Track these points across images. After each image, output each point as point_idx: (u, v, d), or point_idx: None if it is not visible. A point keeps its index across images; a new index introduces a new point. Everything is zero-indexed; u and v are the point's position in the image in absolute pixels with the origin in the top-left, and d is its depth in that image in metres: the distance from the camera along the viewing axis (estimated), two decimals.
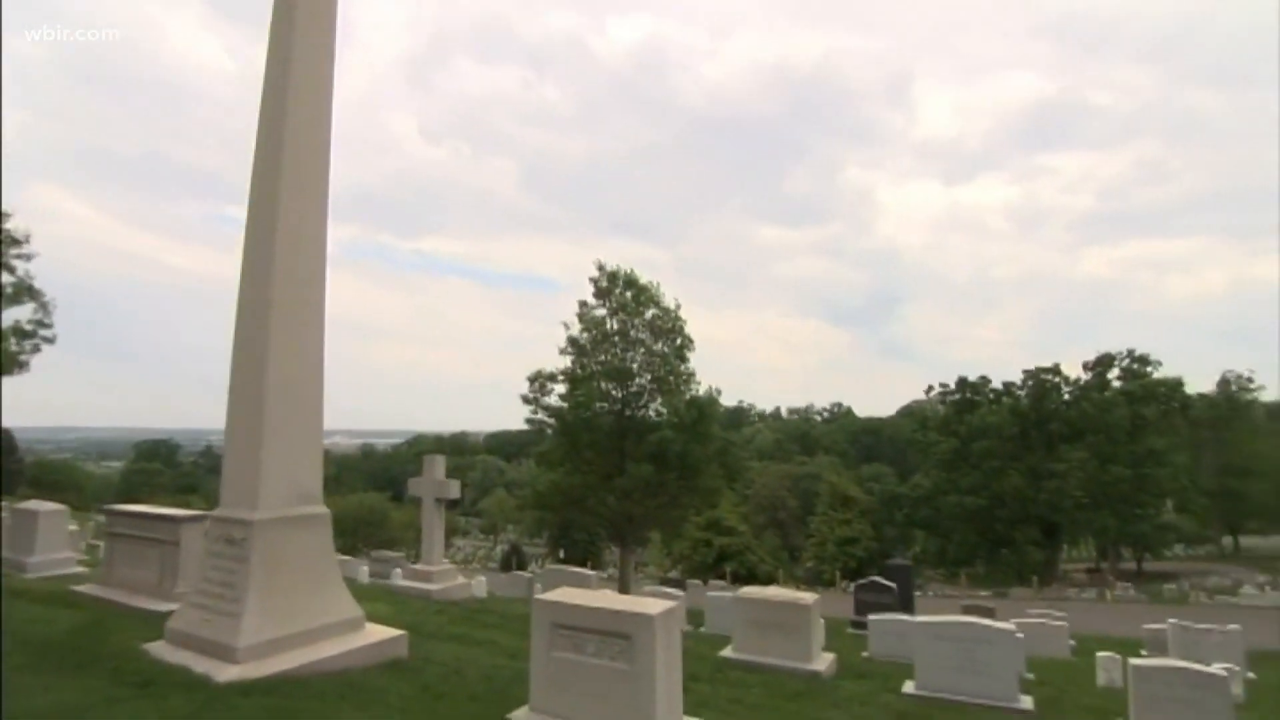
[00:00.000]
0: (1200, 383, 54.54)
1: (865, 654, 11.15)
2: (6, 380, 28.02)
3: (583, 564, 33.46)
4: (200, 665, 4.83)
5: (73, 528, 13.37)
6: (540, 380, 29.40)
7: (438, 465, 12.18)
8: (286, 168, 5.66)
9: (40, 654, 4.95)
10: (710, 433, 28.87)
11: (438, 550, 12.17)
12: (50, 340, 30.37)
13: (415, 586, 11.76)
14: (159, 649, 5.19)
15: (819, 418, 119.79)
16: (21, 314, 29.58)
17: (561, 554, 51.65)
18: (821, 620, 9.16)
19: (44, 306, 29.86)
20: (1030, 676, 9.82)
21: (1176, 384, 46.63)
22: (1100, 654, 10.66)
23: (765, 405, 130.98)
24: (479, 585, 13.93)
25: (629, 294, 28.95)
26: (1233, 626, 12.85)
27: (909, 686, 7.86)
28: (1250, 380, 57.69)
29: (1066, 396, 48.20)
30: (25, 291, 29.12)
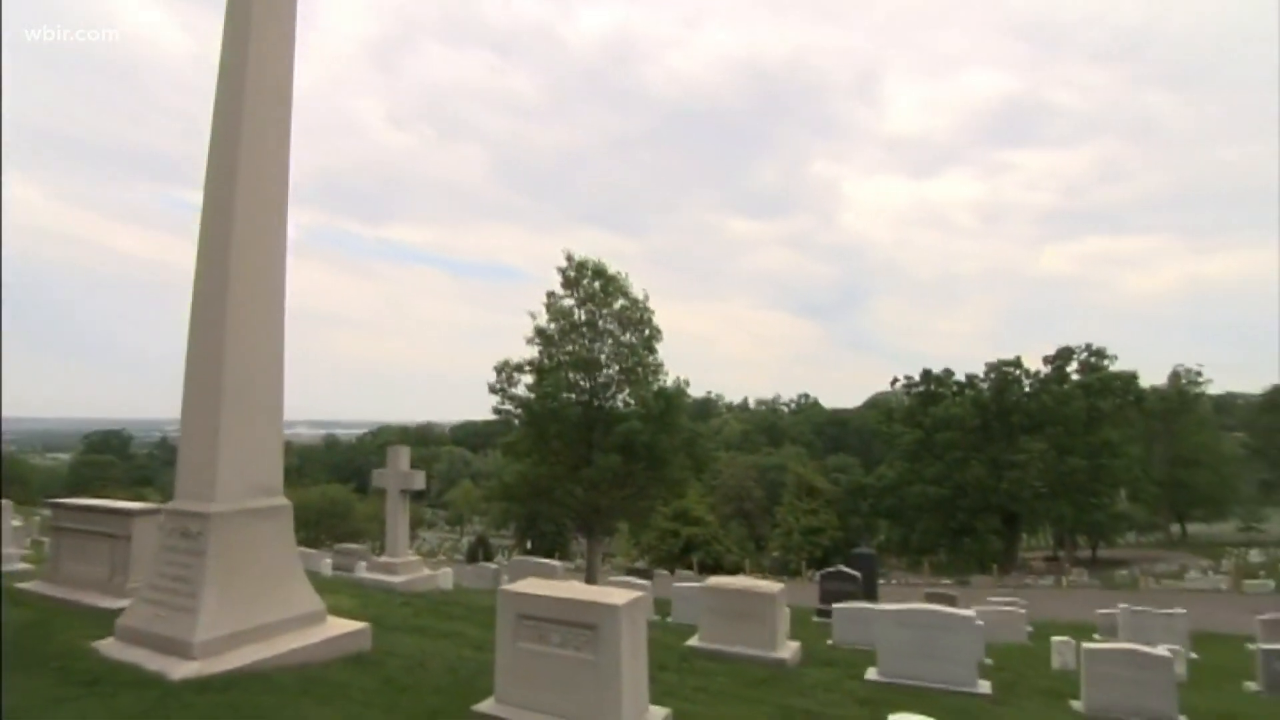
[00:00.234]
0: (1153, 376, 56.41)
1: (830, 642, 11.32)
2: None
3: (550, 555, 33.37)
4: (153, 663, 4.70)
5: (16, 523, 12.92)
6: (507, 370, 29.21)
7: (402, 456, 12.03)
8: (244, 150, 5.49)
9: None
10: (678, 424, 28.98)
11: (402, 542, 12.03)
12: None
13: (379, 579, 11.61)
14: (109, 647, 5.04)
15: (786, 409, 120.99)
16: None
17: (529, 545, 51.54)
18: (786, 609, 9.26)
19: None
20: (989, 661, 10.08)
21: (1131, 378, 48.06)
22: (1055, 639, 10.98)
23: (733, 397, 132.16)
24: (445, 577, 13.79)
25: (597, 284, 28.87)
26: (1178, 610, 13.36)
27: (872, 673, 7.99)
28: (1199, 374, 59.91)
29: (1027, 389, 49.40)
30: None
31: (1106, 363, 48.95)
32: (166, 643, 4.84)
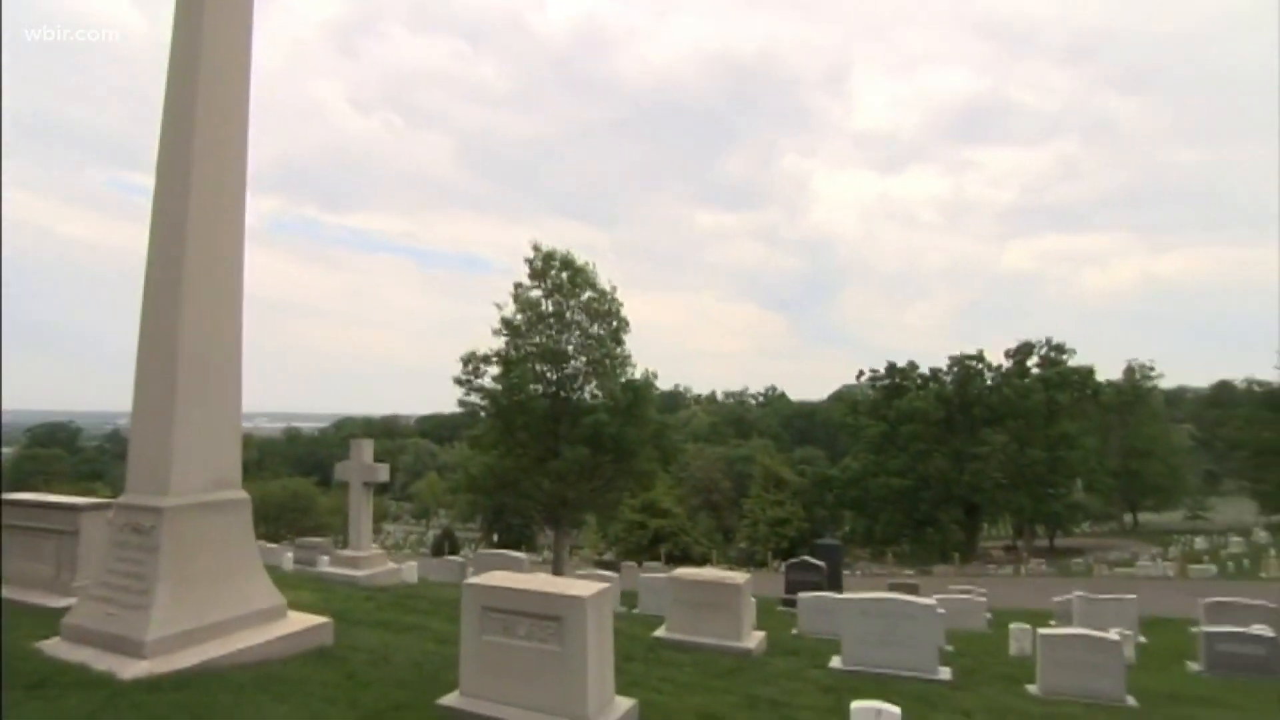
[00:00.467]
0: (1109, 370, 57.99)
1: (795, 631, 11.46)
2: None
3: (517, 548, 33.24)
4: (102, 662, 4.55)
5: None
6: (473, 362, 28.94)
7: (365, 448, 11.86)
8: (200, 132, 5.31)
9: None
10: (646, 416, 29.02)
11: (366, 535, 11.86)
12: None
13: (342, 573, 11.43)
14: (54, 646, 4.87)
15: (754, 401, 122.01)
16: None
17: (495, 538, 51.27)
18: (752, 599, 9.35)
19: None
20: (950, 649, 10.29)
21: (1088, 372, 49.40)
22: (1013, 625, 11.25)
23: (701, 389, 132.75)
24: (409, 570, 13.63)
25: (565, 275, 28.71)
26: (1128, 596, 13.82)
27: (836, 661, 8.11)
28: (1152, 369, 61.94)
29: (989, 382, 50.46)
30: None
31: (1065, 357, 50.24)
32: (116, 641, 4.69)
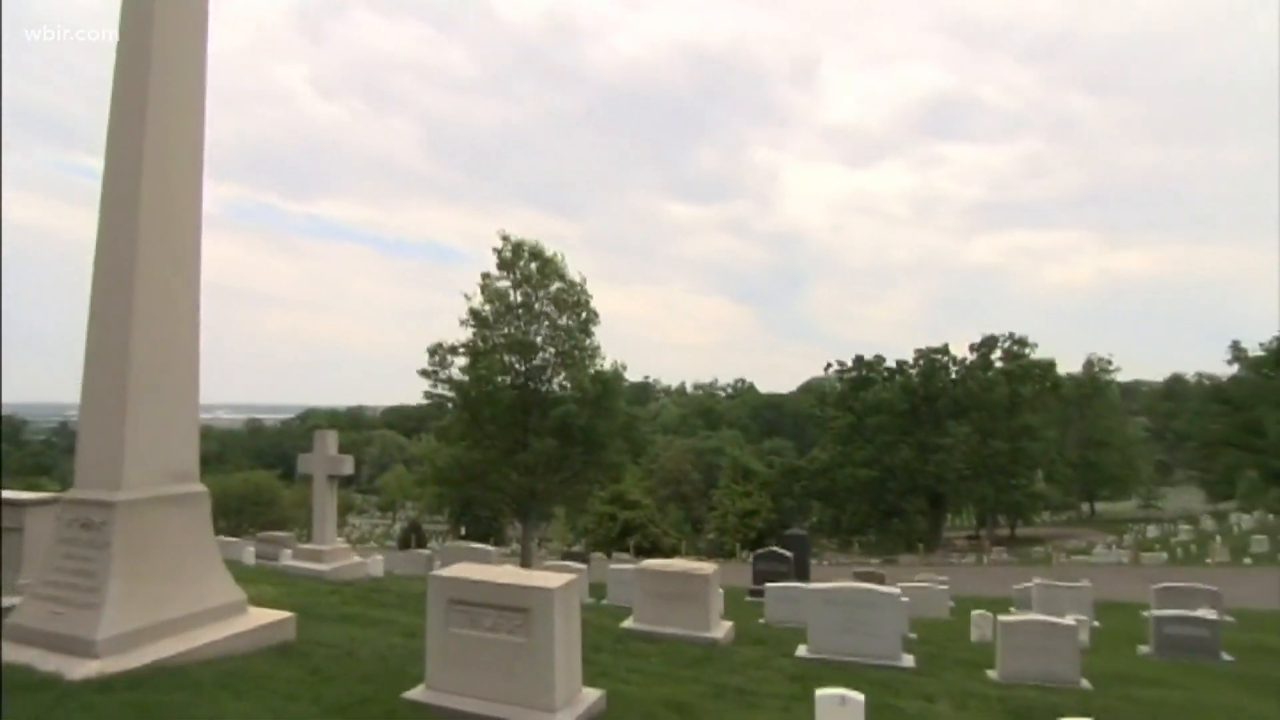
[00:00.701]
0: (1068, 364, 59.52)
1: (762, 621, 11.57)
2: None
3: (485, 540, 33.05)
4: (48, 663, 4.38)
5: None
6: (440, 353, 28.67)
7: (329, 440, 11.66)
8: (152, 113, 5.12)
9: None
10: (615, 407, 29.04)
11: (330, 529, 11.67)
12: None
13: (306, 567, 11.25)
14: None
15: (723, 393, 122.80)
16: None
17: (463, 531, 50.94)
18: (720, 590, 9.41)
19: None
20: (913, 636, 10.49)
21: (1049, 365, 50.67)
22: (975, 613, 11.52)
23: (671, 381, 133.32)
24: (375, 564, 13.47)
25: (534, 266, 28.56)
26: (1084, 583, 14.23)
27: (802, 650, 8.21)
28: (1109, 363, 63.84)
29: (954, 375, 51.49)
30: None
31: (1027, 351, 51.46)
32: (65, 641, 4.52)
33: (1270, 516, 37.11)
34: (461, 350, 28.51)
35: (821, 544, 46.49)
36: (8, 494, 6.94)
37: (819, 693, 4.62)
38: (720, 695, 5.85)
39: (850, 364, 54.29)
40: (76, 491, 4.97)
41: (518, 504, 30.04)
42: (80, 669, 4.30)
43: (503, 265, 28.71)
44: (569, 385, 28.69)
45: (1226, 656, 10.22)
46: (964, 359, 52.01)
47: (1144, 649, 10.78)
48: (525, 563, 26.80)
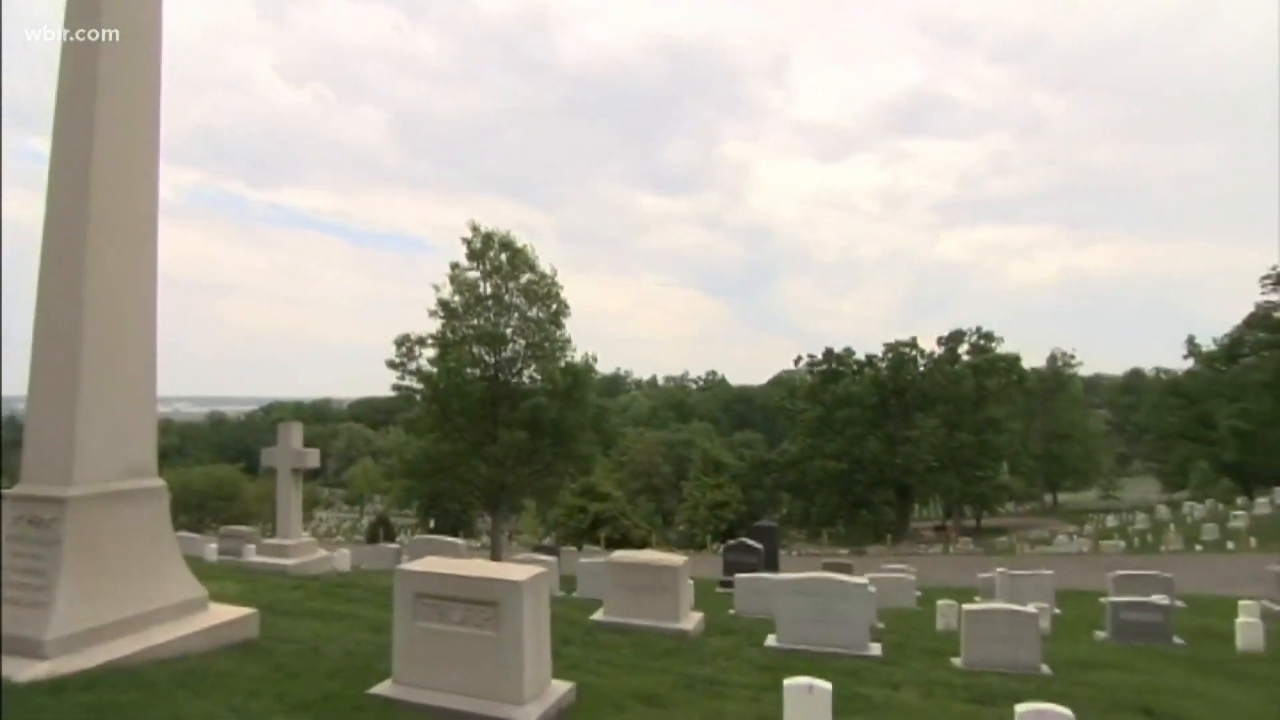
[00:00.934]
0: (1033, 358, 60.79)
1: (732, 611, 11.63)
2: None
3: (455, 534, 32.81)
4: None
5: None
6: (408, 344, 28.28)
7: (293, 433, 11.46)
8: (103, 94, 4.93)
9: None
10: (585, 400, 28.92)
11: (295, 523, 11.48)
12: None
13: (270, 562, 11.06)
14: None
15: (694, 386, 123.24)
16: None
17: (432, 524, 50.40)
18: (690, 581, 9.44)
19: None
20: (880, 626, 10.63)
21: (1015, 359, 51.65)
22: (940, 602, 11.70)
23: (642, 373, 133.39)
24: (341, 558, 13.26)
25: (504, 257, 28.27)
26: (1046, 572, 14.56)
27: (771, 640, 8.26)
28: (1072, 357, 65.40)
29: (921, 369, 52.21)
30: None
31: (994, 345, 52.40)
32: (12, 643, 4.36)
33: (1220, 506, 38.42)
34: (430, 342, 28.16)
35: (791, 535, 46.94)
36: None
37: (787, 682, 4.65)
38: (690, 686, 5.87)
39: (820, 357, 54.78)
40: (24, 487, 4.80)
41: (487, 497, 29.83)
42: (28, 670, 4.16)
43: (472, 256, 28.37)
44: (539, 377, 28.50)
45: (1178, 640, 10.53)
46: (932, 353, 52.78)
47: (1101, 634, 11.06)
48: (495, 556, 26.63)
